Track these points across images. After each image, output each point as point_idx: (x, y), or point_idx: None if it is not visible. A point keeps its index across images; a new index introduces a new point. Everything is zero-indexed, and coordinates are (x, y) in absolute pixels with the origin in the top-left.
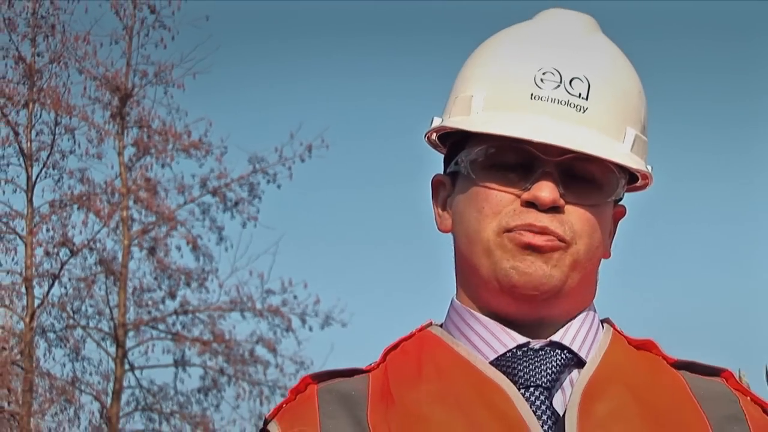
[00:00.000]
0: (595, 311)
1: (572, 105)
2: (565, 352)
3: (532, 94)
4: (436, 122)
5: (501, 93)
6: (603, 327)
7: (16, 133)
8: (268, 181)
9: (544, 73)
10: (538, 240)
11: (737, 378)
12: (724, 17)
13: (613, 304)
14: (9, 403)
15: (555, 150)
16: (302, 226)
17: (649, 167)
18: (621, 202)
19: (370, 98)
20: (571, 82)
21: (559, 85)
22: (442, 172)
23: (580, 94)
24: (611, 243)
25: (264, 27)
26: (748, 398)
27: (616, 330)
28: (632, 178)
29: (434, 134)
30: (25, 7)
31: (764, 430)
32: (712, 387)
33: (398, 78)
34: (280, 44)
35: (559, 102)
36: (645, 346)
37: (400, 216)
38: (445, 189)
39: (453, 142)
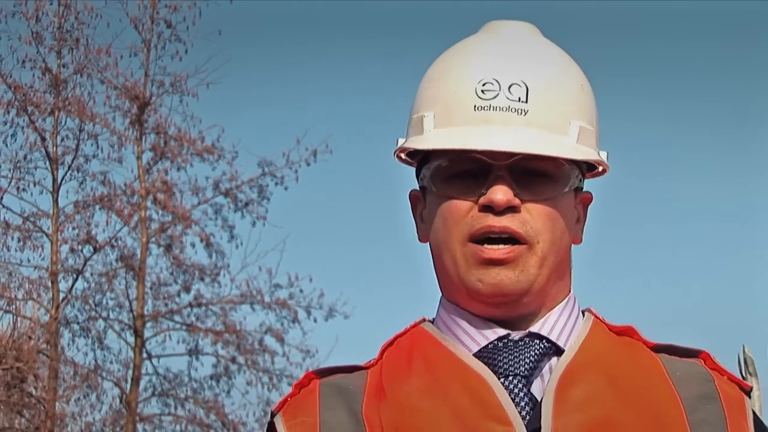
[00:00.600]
0: (575, 301)
1: (513, 110)
2: (543, 341)
3: (475, 106)
4: (400, 143)
5: (447, 110)
6: (584, 316)
7: (43, 139)
8: (276, 184)
9: (484, 84)
10: (499, 254)
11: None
12: (724, 18)
13: (612, 300)
14: (36, 389)
15: (503, 154)
16: (308, 225)
17: (603, 154)
18: (586, 189)
19: (370, 103)
20: (509, 88)
21: (498, 93)
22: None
23: (519, 98)
24: (582, 229)
25: (272, 41)
26: (725, 377)
27: (597, 318)
28: (591, 166)
29: (402, 153)
30: (51, 21)
31: (739, 406)
32: (689, 368)
33: (398, 81)
34: (287, 56)
35: (501, 109)
36: (626, 332)
37: (398, 215)
38: (420, 202)
39: (419, 159)
